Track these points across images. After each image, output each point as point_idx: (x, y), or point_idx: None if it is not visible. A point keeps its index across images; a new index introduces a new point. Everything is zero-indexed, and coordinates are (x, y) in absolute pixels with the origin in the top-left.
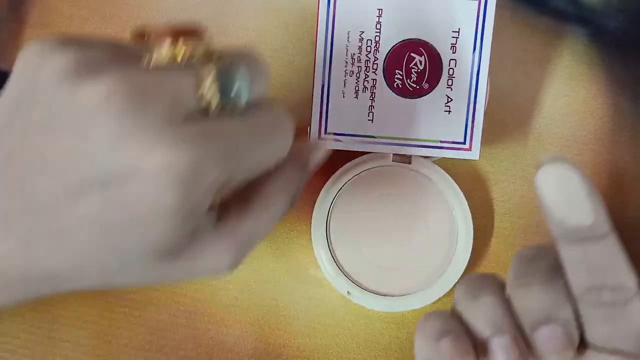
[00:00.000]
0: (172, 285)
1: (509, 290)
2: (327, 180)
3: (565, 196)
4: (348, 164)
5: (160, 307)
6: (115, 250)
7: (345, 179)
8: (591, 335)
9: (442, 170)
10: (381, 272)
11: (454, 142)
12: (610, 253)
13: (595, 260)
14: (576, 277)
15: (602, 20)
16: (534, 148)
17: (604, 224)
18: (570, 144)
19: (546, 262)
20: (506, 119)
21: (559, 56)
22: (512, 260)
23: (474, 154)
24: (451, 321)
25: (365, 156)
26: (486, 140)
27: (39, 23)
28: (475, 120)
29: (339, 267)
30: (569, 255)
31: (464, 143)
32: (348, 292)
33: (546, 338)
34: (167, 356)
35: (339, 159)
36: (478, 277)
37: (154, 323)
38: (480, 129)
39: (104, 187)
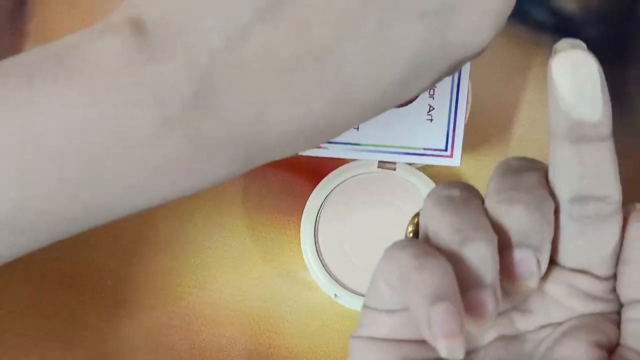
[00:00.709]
0: (168, 289)
1: (488, 203)
2: (315, 187)
3: (579, 85)
4: (335, 171)
5: (156, 310)
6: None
7: (332, 185)
8: (563, 255)
9: (426, 177)
10: (367, 275)
11: (436, 150)
12: (606, 160)
13: (589, 165)
14: (565, 183)
15: (581, 30)
16: (515, 154)
17: (609, 125)
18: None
19: (534, 178)
20: (488, 126)
21: (539, 65)
22: (496, 170)
23: (455, 161)
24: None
25: (351, 163)
26: (469, 146)
27: (37, 36)
28: (456, 129)
29: (327, 270)
30: (564, 156)
31: (446, 150)
32: (335, 294)
33: (516, 262)
34: (162, 356)
35: (326, 166)
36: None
37: (150, 325)
38: (461, 137)
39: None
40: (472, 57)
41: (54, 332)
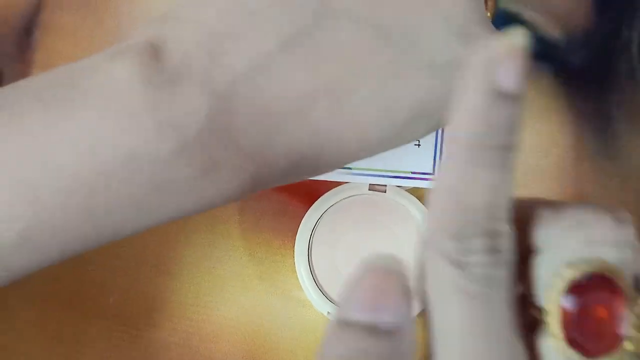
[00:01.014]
0: (170, 307)
1: None
2: (308, 209)
3: None
4: (327, 193)
5: (157, 327)
6: None
7: (324, 207)
8: None
9: (415, 199)
10: None
11: (423, 173)
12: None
13: None
14: None
15: (566, 57)
16: None
17: None
18: (536, 173)
19: None
20: None
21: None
22: None
23: None
24: None
25: (343, 186)
26: None
27: (43, 64)
28: (442, 154)
29: (320, 289)
30: None
31: (433, 173)
32: (328, 312)
33: None
34: None
35: (318, 189)
36: None
37: (150, 341)
38: None
39: None
40: None
41: (58, 351)
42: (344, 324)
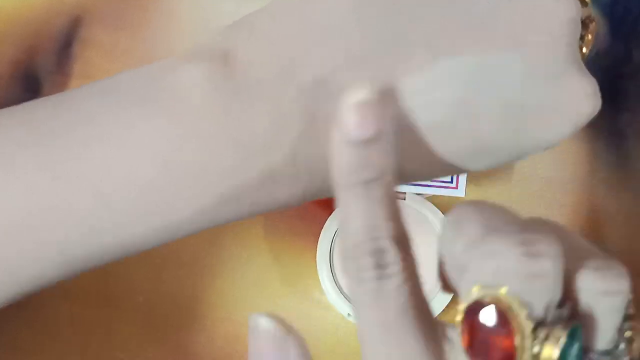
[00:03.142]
0: (196, 307)
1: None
2: (330, 213)
3: None
4: None
5: (182, 327)
6: None
7: None
8: None
9: (433, 206)
10: None
11: (442, 181)
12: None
13: None
14: None
15: None
16: (518, 187)
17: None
18: (551, 185)
19: None
20: None
21: None
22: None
23: (460, 192)
24: None
25: None
26: (474, 179)
27: (81, 76)
28: None
29: (341, 291)
30: None
31: (451, 182)
32: (349, 313)
33: None
34: None
35: None
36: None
37: (176, 341)
38: None
39: None
40: (541, 150)
41: (90, 349)
42: None
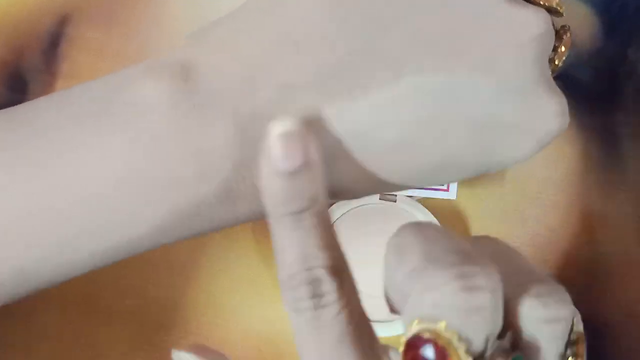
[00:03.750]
0: (184, 311)
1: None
2: None
3: None
4: (338, 202)
5: (171, 330)
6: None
7: (336, 215)
8: None
9: (424, 208)
10: (368, 300)
11: None
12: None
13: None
14: None
15: (573, 74)
16: (510, 188)
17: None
18: (544, 185)
19: None
20: None
21: None
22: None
23: (451, 194)
24: None
25: None
26: (465, 181)
27: (68, 76)
28: None
29: None
30: None
31: (443, 184)
32: None
33: None
34: None
35: None
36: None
37: (165, 345)
38: None
39: None
40: (507, 167)
41: (77, 352)
42: None
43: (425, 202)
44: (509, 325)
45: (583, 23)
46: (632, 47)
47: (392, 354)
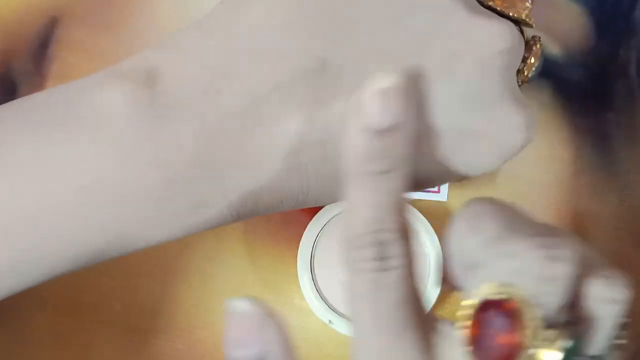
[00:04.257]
0: (174, 314)
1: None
2: (311, 217)
3: None
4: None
5: (162, 334)
6: None
7: (328, 216)
8: None
9: (416, 210)
10: None
11: None
12: None
13: None
14: None
15: (565, 74)
16: (502, 189)
17: None
18: (536, 187)
19: None
20: None
21: None
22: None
23: (442, 196)
24: None
25: None
26: (457, 183)
27: (58, 77)
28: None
29: (322, 297)
30: None
31: (435, 186)
32: (330, 320)
33: None
34: None
35: None
36: None
37: (155, 348)
38: None
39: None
40: (472, 176)
41: (66, 358)
42: None
43: (416, 204)
44: (574, 301)
45: (575, 23)
46: (623, 47)
47: (441, 327)
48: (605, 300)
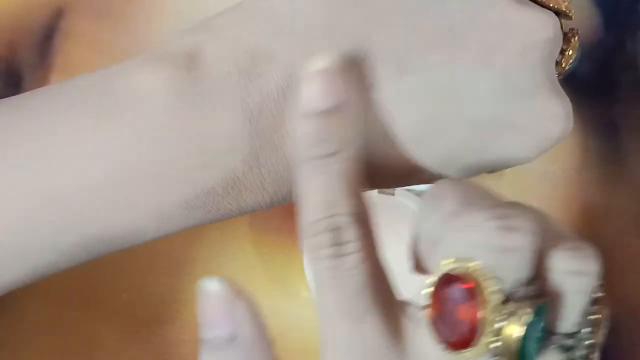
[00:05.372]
0: (180, 305)
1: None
2: None
3: None
4: None
5: (168, 325)
6: None
7: None
8: None
9: (418, 198)
10: None
11: None
12: None
13: None
14: None
15: (572, 67)
16: (509, 182)
17: None
18: (543, 179)
19: None
20: None
21: None
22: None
23: None
24: None
25: None
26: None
27: (62, 69)
28: None
29: None
30: None
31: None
32: None
33: None
34: None
35: None
36: None
37: (161, 340)
38: None
39: None
40: (511, 167)
41: (71, 350)
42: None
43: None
44: (537, 275)
45: (582, 15)
46: (630, 39)
47: (410, 310)
48: (572, 272)
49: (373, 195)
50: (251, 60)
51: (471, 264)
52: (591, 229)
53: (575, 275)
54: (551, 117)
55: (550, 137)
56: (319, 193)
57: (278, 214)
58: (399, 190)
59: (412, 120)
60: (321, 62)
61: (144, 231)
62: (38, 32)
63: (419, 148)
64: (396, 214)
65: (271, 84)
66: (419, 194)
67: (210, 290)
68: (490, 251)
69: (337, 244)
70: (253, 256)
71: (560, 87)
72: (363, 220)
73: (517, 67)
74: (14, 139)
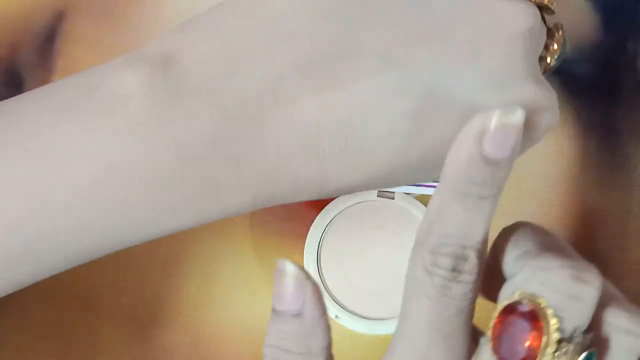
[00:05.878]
0: (181, 308)
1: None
2: (317, 213)
3: None
4: (336, 199)
5: (168, 327)
6: None
7: (334, 212)
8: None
9: (422, 205)
10: (366, 297)
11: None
12: None
13: None
14: None
15: (572, 69)
16: (508, 185)
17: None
18: (543, 182)
19: None
20: None
21: None
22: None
23: None
24: None
25: None
26: None
27: (64, 71)
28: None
29: (328, 292)
30: None
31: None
32: (336, 315)
33: None
34: None
35: None
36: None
37: (162, 342)
38: None
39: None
40: None
41: (72, 351)
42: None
43: (423, 199)
44: (592, 327)
45: (582, 17)
46: (631, 41)
47: (481, 340)
48: (622, 330)
49: (373, 199)
50: (229, 59)
51: (541, 300)
52: (590, 232)
53: (628, 334)
54: (536, 110)
55: (537, 131)
56: (459, 223)
57: (279, 216)
58: (398, 194)
59: (398, 113)
60: (515, 115)
61: (120, 237)
62: (39, 34)
63: (406, 142)
64: (397, 218)
65: (249, 82)
66: (418, 197)
67: (286, 270)
68: (561, 295)
69: (457, 270)
70: (253, 258)
71: (545, 80)
72: (482, 258)
73: (501, 58)
74: (8, 140)
